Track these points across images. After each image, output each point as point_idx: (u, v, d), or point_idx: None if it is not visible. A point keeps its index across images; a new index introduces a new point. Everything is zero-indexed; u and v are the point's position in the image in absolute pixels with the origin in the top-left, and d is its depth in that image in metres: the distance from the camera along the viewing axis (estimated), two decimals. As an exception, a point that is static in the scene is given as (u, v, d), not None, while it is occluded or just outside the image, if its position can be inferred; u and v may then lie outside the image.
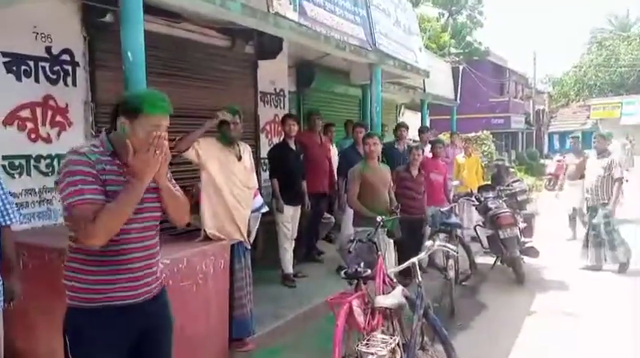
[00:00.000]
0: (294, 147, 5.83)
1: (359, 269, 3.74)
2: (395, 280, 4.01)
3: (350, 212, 5.79)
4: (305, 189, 5.95)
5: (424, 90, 11.83)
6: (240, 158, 4.23)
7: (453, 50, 22.45)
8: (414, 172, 6.12)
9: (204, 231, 3.97)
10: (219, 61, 6.19)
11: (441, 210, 6.48)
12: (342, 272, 3.75)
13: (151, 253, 2.19)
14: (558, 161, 19.78)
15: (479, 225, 7.71)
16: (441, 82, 12.93)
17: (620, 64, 33.25)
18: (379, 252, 4.33)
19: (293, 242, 5.82)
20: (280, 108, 7.41)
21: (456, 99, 14.29)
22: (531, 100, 31.68)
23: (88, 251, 2.02)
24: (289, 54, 7.55)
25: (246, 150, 4.36)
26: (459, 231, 6.07)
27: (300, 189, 5.88)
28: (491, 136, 19.93)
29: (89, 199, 1.94)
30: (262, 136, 6.98)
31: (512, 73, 28.90)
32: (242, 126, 4.34)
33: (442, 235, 6.49)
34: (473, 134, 18.96)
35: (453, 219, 6.13)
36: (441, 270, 6.53)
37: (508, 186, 9.63)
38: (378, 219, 4.52)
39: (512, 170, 15.16)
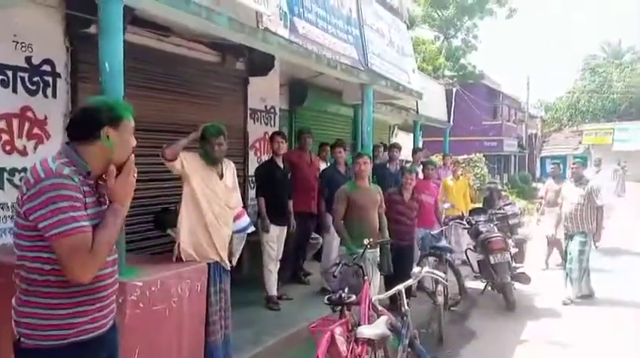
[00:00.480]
0: (282, 166, 5.69)
1: (343, 295, 3.59)
2: (380, 307, 3.85)
3: (333, 233, 5.65)
4: (291, 208, 5.80)
5: (417, 111, 11.79)
6: (221, 176, 4.08)
7: (447, 73, 22.57)
8: (406, 196, 5.92)
9: (178, 246, 3.79)
10: (209, 77, 6.09)
11: (431, 233, 6.34)
12: (326, 298, 3.59)
13: (116, 278, 2.04)
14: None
15: (469, 248, 7.58)
16: (434, 104, 12.91)
17: (612, 90, 33.56)
18: (365, 277, 4.19)
19: (278, 263, 5.64)
20: (271, 125, 7.29)
21: (449, 121, 14.26)
22: (524, 124, 31.85)
23: (65, 284, 1.81)
24: (281, 72, 7.47)
25: (229, 167, 4.21)
26: (449, 255, 5.92)
27: (287, 208, 5.72)
28: (483, 159, 19.93)
29: (83, 228, 1.76)
30: (251, 153, 6.85)
31: (506, 96, 29.09)
32: (227, 146, 4.19)
33: (431, 259, 6.36)
34: (465, 156, 18.96)
35: (443, 243, 6.00)
36: (429, 295, 6.37)
37: (500, 209, 9.52)
38: (365, 241, 4.37)
39: (504, 193, 15.08)
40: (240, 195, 4.39)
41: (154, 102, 5.37)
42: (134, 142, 2.00)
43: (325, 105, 9.38)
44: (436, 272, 3.40)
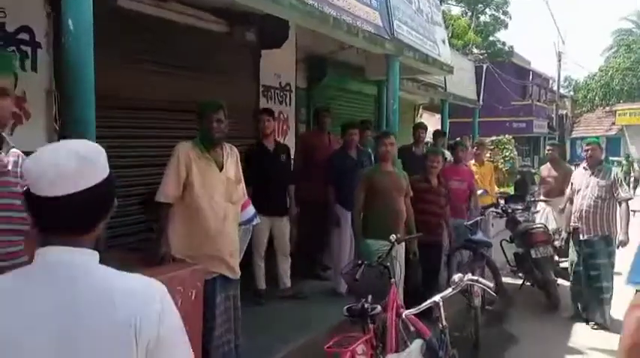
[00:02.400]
0: (270, 148, 4.99)
1: (366, 305, 2.96)
2: (411, 315, 3.21)
3: (345, 226, 5.03)
4: (291, 196, 5.11)
5: (445, 89, 11.01)
6: (222, 167, 3.47)
7: (475, 50, 21.49)
8: (434, 182, 5.16)
9: (166, 253, 3.20)
10: (214, 49, 5.44)
11: (466, 223, 5.65)
12: (345, 309, 2.98)
13: None
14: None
15: (505, 240, 6.89)
16: (463, 82, 12.12)
17: (648, 68, 31.91)
18: (392, 279, 3.55)
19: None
20: (286, 104, 6.65)
21: (478, 101, 13.43)
22: (555, 104, 30.50)
23: None
24: (298, 47, 6.82)
25: (231, 154, 3.59)
26: (485, 250, 5.21)
27: (282, 197, 5.02)
28: (513, 141, 18.94)
29: None
30: (264, 135, 6.21)
31: (536, 75, 27.79)
32: (227, 125, 3.58)
33: (465, 253, 5.70)
34: (493, 138, 17.99)
35: (480, 236, 5.29)
36: (463, 293, 5.73)
37: (534, 195, 8.73)
38: (392, 237, 3.72)
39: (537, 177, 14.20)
40: (244, 186, 3.77)
41: (150, 78, 4.77)
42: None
43: (346, 82, 8.66)
44: (482, 280, 2.76)
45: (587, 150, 5.43)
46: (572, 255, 5.49)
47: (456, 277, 2.79)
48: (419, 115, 14.14)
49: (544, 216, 7.11)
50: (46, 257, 1.10)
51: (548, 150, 7.51)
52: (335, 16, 4.32)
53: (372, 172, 4.45)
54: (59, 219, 1.10)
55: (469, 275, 2.79)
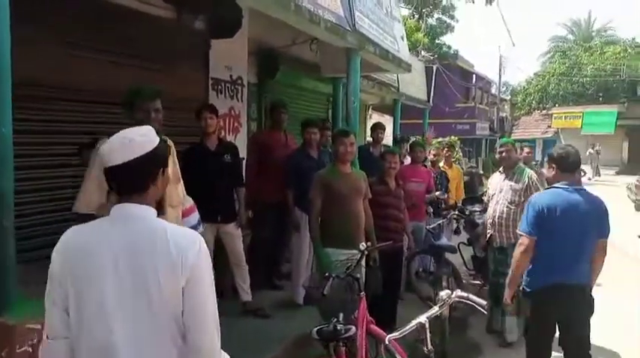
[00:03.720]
0: (212, 148, 4.50)
1: (339, 326, 2.59)
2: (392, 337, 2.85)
3: (305, 232, 4.64)
4: (240, 200, 4.62)
5: (398, 89, 10.86)
6: None
7: (423, 52, 21.65)
8: (391, 184, 4.83)
9: None
10: (159, 36, 4.90)
11: (427, 227, 5.40)
12: (315, 331, 2.59)
13: None
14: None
15: (463, 243, 6.73)
16: (414, 82, 12.02)
17: (582, 73, 33.39)
18: (361, 293, 3.20)
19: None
20: (238, 99, 6.17)
21: (428, 101, 13.41)
22: (496, 107, 31.40)
23: None
24: (249, 38, 6.36)
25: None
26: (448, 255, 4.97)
27: (226, 202, 4.52)
28: (459, 142, 19.20)
29: None
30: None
31: (479, 78, 28.45)
32: (163, 116, 3.11)
33: (426, 258, 5.47)
34: (440, 139, 18.12)
35: (444, 241, 5.04)
36: (424, 300, 5.49)
37: (483, 195, 8.67)
38: (362, 246, 3.37)
39: (484, 178, 14.37)
40: (183, 186, 3.31)
41: (87, 66, 4.20)
42: None
43: (299, 79, 8.27)
44: (474, 298, 2.46)
45: (502, 152, 4.86)
46: (491, 264, 4.92)
47: (444, 294, 2.47)
48: (369, 116, 13.98)
49: None
50: (120, 210, 1.55)
51: (527, 153, 6.83)
52: (296, 2, 3.92)
53: (330, 174, 4.02)
54: (124, 181, 1.55)
55: (458, 292, 2.48)
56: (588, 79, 33.30)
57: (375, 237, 4.20)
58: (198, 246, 1.51)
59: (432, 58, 16.11)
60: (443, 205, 6.24)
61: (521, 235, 3.32)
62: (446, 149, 7.56)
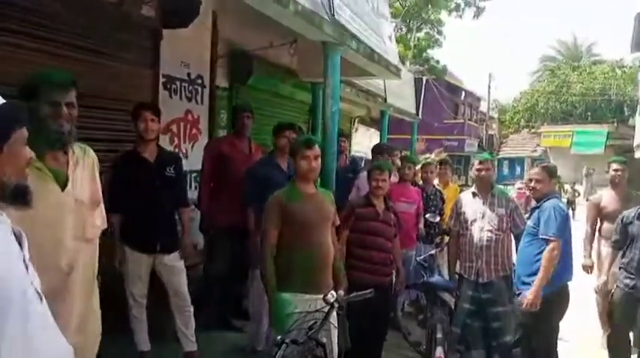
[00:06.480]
0: (150, 159, 3.53)
1: None
2: None
3: None
4: (184, 224, 3.67)
5: (385, 99, 10.03)
6: (65, 183, 2.11)
7: (410, 66, 21.03)
8: (380, 206, 3.93)
9: None
10: (98, 24, 4.02)
11: (418, 258, 4.51)
12: None
13: None
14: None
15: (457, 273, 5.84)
16: (403, 93, 11.22)
17: (570, 92, 33.17)
18: (330, 364, 2.28)
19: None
20: (197, 102, 5.28)
21: (417, 115, 12.61)
22: (485, 124, 30.92)
23: None
24: (221, 39, 5.55)
25: (83, 160, 2.24)
26: (446, 295, 4.03)
27: (165, 226, 3.57)
28: (449, 159, 18.47)
29: None
30: (165, 139, 4.78)
31: (468, 94, 27.92)
32: (77, 114, 2.23)
33: (415, 293, 4.57)
34: (427, 156, 17.41)
35: (439, 278, 4.11)
36: (412, 345, 4.58)
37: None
38: (330, 297, 2.44)
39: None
40: (103, 212, 2.41)
41: (10, 57, 3.32)
42: None
43: (276, 85, 7.40)
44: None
45: (480, 170, 4.15)
46: (461, 305, 4.11)
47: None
48: (355, 129, 13.15)
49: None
50: None
51: (616, 170, 5.17)
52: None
53: (289, 195, 3.02)
54: None
55: None
56: (577, 97, 33.08)
57: (343, 274, 3.25)
58: None
59: (421, 69, 15.37)
60: (435, 230, 5.33)
61: (551, 240, 3.61)
62: (439, 166, 6.68)
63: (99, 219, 2.40)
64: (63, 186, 2.16)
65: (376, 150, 5.83)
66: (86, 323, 2.24)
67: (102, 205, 2.44)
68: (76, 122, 2.27)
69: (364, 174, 5.46)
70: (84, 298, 2.24)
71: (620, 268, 4.03)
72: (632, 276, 3.85)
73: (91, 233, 2.30)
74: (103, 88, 4.03)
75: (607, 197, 5.14)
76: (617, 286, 4.02)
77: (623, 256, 4.02)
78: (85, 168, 2.28)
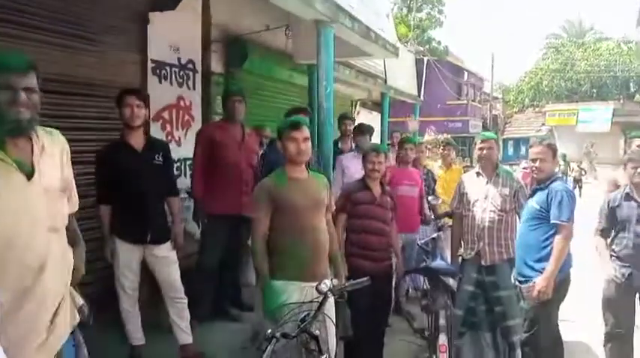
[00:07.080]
0: (138, 147, 3.41)
1: None
2: None
3: None
4: (175, 213, 3.57)
5: (385, 81, 9.84)
6: (31, 174, 1.97)
7: (410, 47, 20.76)
8: (377, 190, 3.76)
9: None
10: (81, 7, 3.87)
11: (420, 242, 4.37)
12: None
13: None
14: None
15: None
16: (404, 74, 11.02)
17: (575, 70, 32.69)
18: (323, 357, 2.16)
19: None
20: (189, 87, 5.14)
21: (419, 96, 12.42)
22: (489, 104, 30.57)
23: None
24: (214, 24, 5.45)
25: (50, 147, 2.09)
26: (450, 280, 3.89)
27: (155, 216, 3.45)
28: (452, 141, 18.27)
29: None
30: (156, 127, 4.65)
31: (471, 74, 27.58)
32: (40, 97, 2.07)
33: (420, 278, 4.45)
34: (431, 137, 17.22)
35: (441, 262, 3.98)
36: (416, 331, 4.47)
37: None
38: (323, 286, 2.31)
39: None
40: (77, 197, 2.26)
41: None
42: None
43: (272, 70, 7.25)
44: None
45: (482, 148, 3.97)
46: (464, 288, 3.97)
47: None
48: (356, 112, 12.97)
49: None
50: None
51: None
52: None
53: (279, 181, 2.88)
54: None
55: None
56: (582, 75, 32.62)
57: (341, 262, 3.15)
58: None
59: (422, 49, 15.11)
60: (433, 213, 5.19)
61: (564, 225, 3.34)
62: (442, 148, 6.54)
63: (67, 207, 2.24)
64: (29, 175, 2.01)
65: (358, 130, 5.62)
66: (57, 322, 2.11)
67: (74, 191, 2.27)
68: (40, 108, 2.11)
69: (350, 154, 5.32)
70: (58, 294, 2.11)
71: (611, 257, 3.70)
72: (626, 265, 3.57)
73: (59, 221, 2.15)
74: (85, 75, 3.90)
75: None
76: (609, 281, 3.67)
77: (612, 244, 3.72)
78: (53, 154, 2.12)
